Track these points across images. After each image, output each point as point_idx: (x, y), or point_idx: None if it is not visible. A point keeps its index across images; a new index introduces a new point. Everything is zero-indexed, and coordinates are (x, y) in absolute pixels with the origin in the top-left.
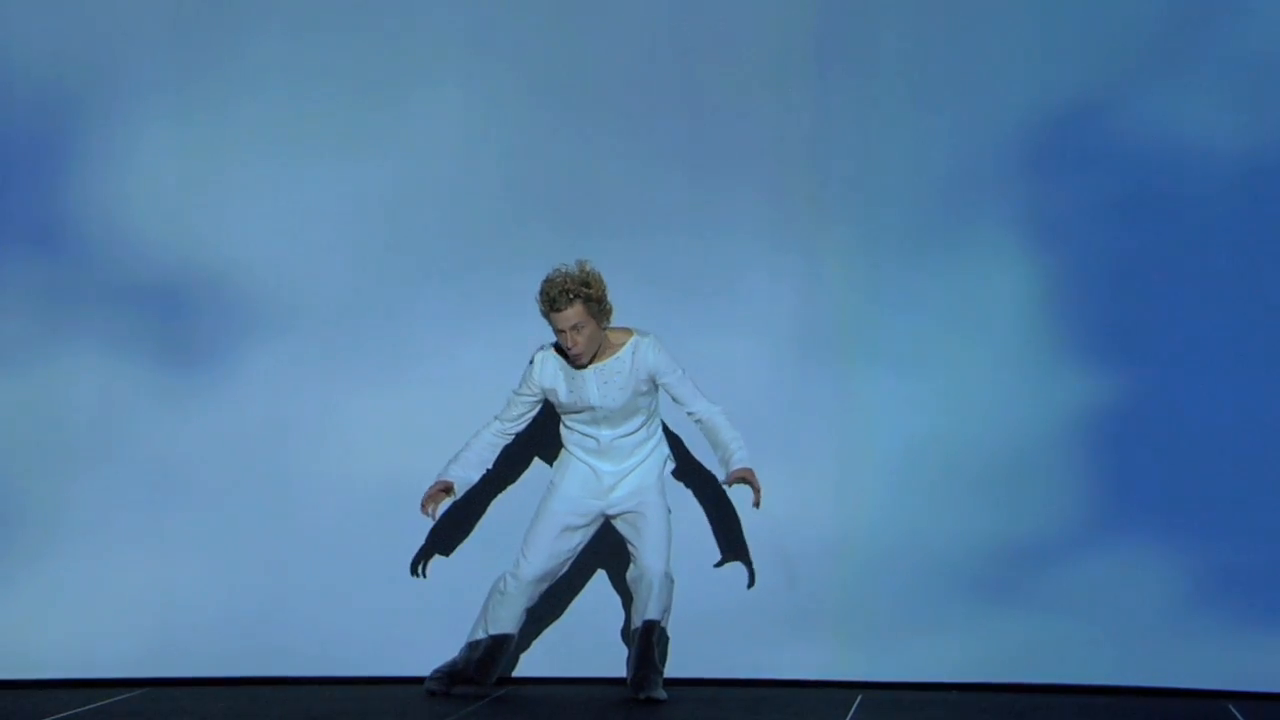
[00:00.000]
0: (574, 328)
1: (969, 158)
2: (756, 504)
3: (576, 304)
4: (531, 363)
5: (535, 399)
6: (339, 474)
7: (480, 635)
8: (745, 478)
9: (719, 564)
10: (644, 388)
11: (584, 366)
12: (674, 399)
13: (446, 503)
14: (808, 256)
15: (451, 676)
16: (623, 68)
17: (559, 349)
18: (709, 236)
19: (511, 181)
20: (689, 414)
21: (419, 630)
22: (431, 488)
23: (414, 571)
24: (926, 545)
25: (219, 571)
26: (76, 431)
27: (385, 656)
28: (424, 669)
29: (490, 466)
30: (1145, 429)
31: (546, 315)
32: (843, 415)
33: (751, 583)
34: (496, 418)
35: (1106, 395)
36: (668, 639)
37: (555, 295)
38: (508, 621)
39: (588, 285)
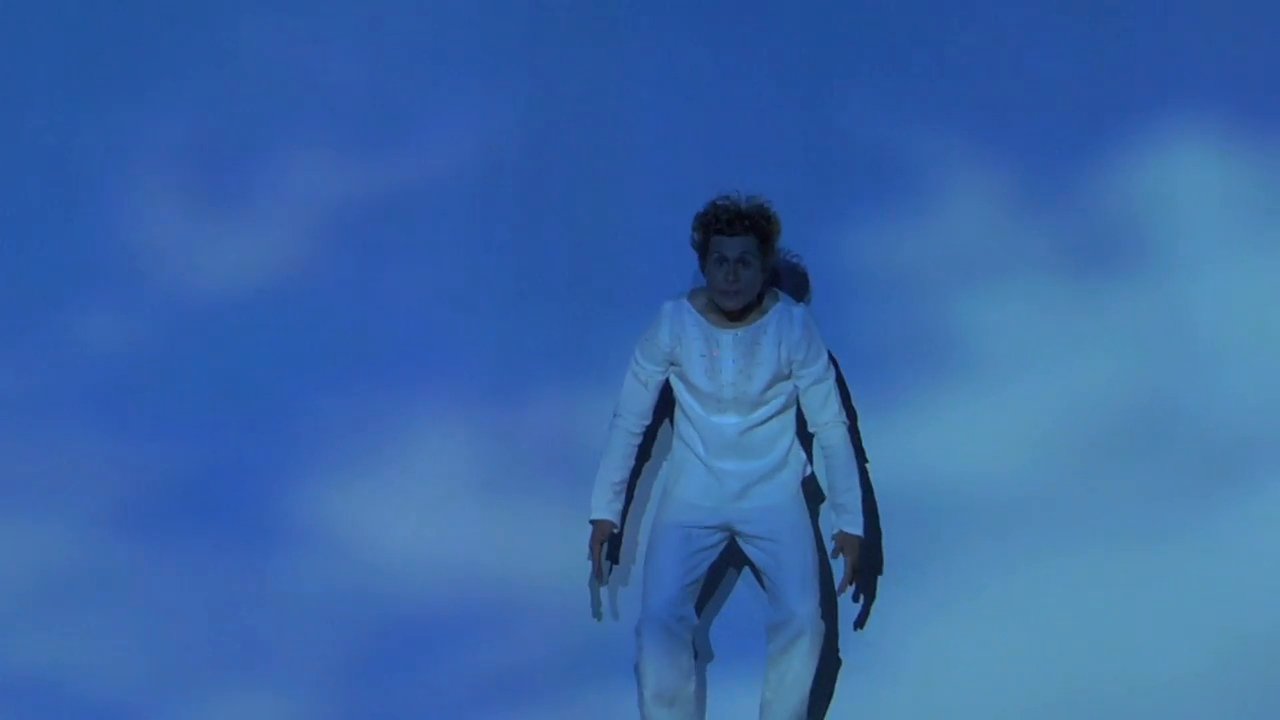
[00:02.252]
0: (740, 259)
1: None
2: (840, 589)
3: (752, 237)
4: (658, 317)
5: (662, 368)
6: (281, 515)
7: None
8: (844, 552)
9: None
10: (786, 370)
11: (735, 315)
12: (802, 400)
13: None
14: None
15: None
16: None
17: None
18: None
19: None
20: (814, 425)
21: None
22: (594, 540)
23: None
24: None
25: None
26: None
27: None
28: None
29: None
30: None
31: (705, 241)
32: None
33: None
34: (617, 414)
35: None
36: None
37: (732, 217)
38: (673, 675)
39: (769, 220)
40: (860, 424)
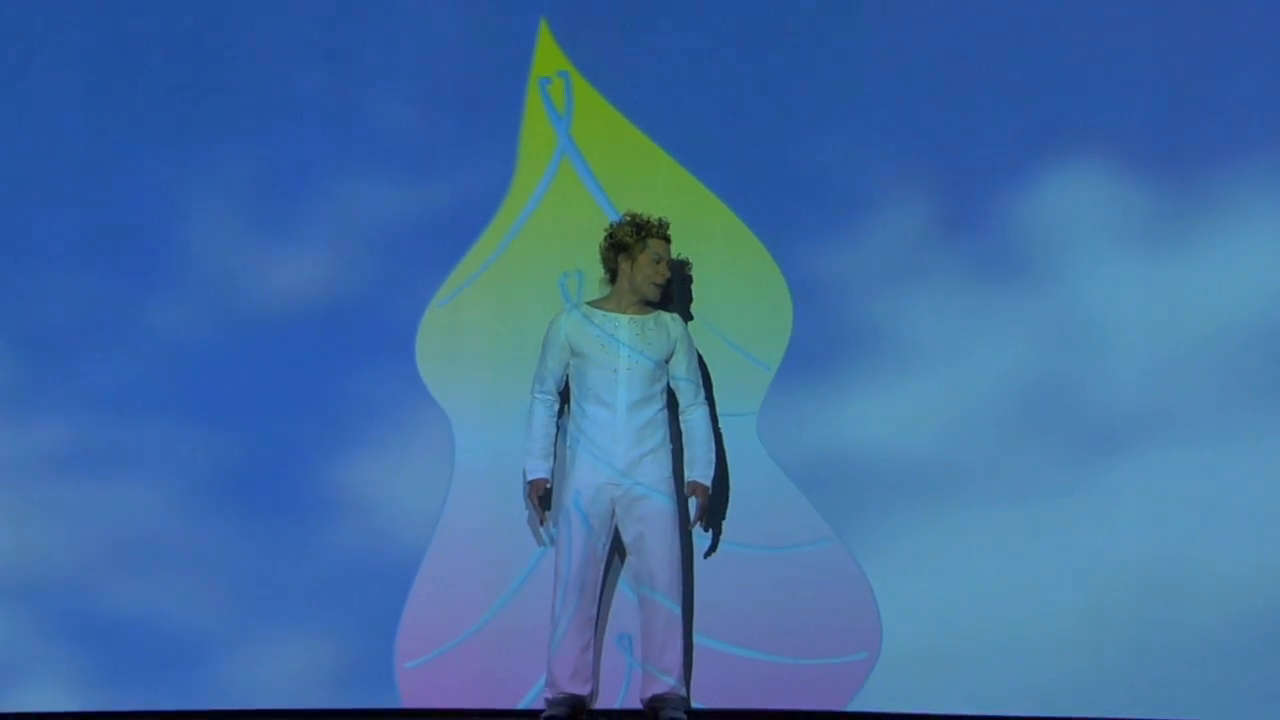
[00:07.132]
0: (667, 260)
1: None
2: (692, 524)
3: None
4: (557, 317)
5: (562, 357)
6: (322, 486)
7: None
8: (695, 494)
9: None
10: (669, 355)
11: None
12: (674, 385)
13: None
14: None
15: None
16: None
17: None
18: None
19: None
20: (683, 407)
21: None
22: (532, 496)
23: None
24: None
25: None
26: None
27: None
28: None
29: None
30: None
31: (637, 243)
32: None
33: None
34: (535, 393)
35: None
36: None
37: (664, 227)
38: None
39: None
40: (800, 405)
